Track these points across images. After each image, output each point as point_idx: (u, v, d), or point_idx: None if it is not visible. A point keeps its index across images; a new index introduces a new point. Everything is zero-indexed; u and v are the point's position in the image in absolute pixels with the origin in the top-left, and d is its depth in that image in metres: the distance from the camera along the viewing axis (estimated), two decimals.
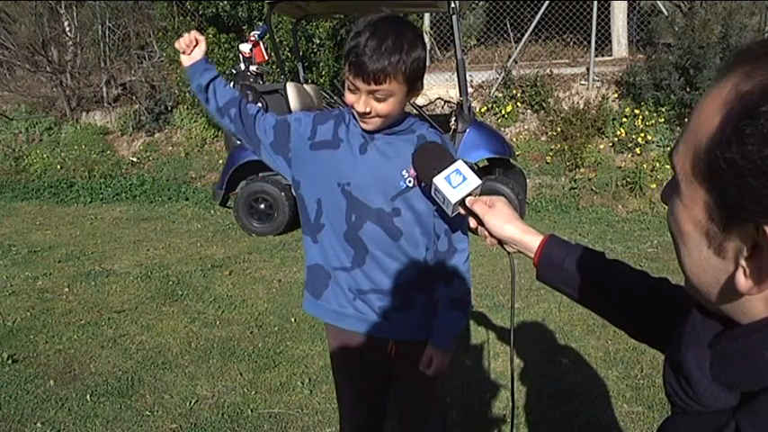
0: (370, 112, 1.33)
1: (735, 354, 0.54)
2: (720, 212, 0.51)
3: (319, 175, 1.44)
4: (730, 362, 0.54)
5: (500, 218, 1.03)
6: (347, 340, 1.54)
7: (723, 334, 0.56)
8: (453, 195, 1.08)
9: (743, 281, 0.51)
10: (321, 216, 1.46)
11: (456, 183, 1.09)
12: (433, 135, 1.48)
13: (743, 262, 0.50)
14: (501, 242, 1.04)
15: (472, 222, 1.09)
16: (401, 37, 1.27)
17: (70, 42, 8.86)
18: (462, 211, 1.10)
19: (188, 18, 8.57)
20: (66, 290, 4.09)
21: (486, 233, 1.06)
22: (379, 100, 1.31)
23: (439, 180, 1.09)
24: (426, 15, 8.58)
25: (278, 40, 6.66)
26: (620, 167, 6.43)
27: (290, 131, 1.47)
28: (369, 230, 1.42)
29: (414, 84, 1.33)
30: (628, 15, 8.15)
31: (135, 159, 7.97)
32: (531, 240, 1.00)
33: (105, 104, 8.66)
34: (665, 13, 7.38)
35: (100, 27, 8.89)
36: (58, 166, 7.92)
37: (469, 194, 1.08)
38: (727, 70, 0.52)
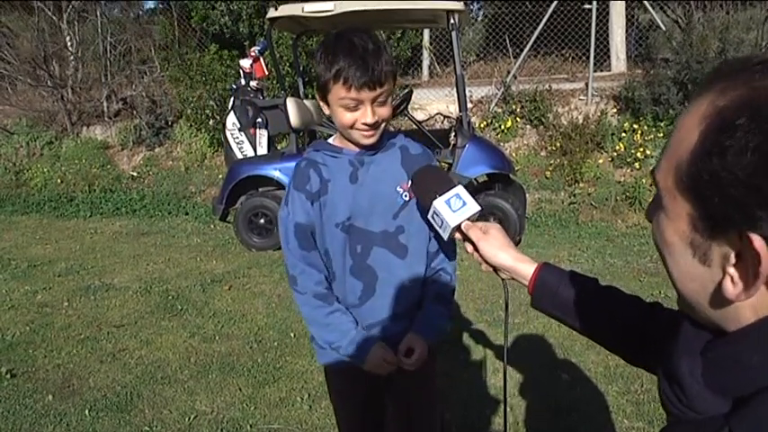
0: (377, 121, 1.33)
1: (725, 360, 0.56)
2: (705, 223, 0.54)
3: (320, 224, 1.43)
4: (721, 368, 0.56)
5: (494, 245, 1.05)
6: (346, 370, 1.53)
7: (713, 341, 0.58)
8: (453, 219, 1.08)
9: (730, 288, 0.53)
10: (331, 266, 1.46)
11: (456, 207, 1.10)
12: (415, 146, 1.51)
13: (730, 269, 0.53)
14: (495, 269, 1.06)
15: (468, 248, 1.10)
16: (372, 39, 1.31)
17: (72, 57, 8.94)
18: (458, 236, 1.12)
19: (189, 34, 8.68)
20: (66, 304, 4.11)
21: (481, 259, 1.08)
22: (381, 104, 1.32)
23: (439, 203, 1.10)
24: (426, 31, 8.68)
25: (278, 55, 6.74)
26: (620, 182, 6.46)
27: (304, 222, 1.43)
28: (377, 256, 1.42)
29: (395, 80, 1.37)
30: (626, 30, 8.24)
31: (135, 174, 8.01)
32: (525, 268, 1.02)
33: (106, 119, 8.71)
34: (663, 27, 7.45)
35: (101, 42, 9.00)
36: (59, 180, 7.96)
37: (468, 219, 1.10)
38: (704, 88, 0.55)
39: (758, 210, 0.49)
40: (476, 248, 1.08)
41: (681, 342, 0.61)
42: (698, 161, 0.53)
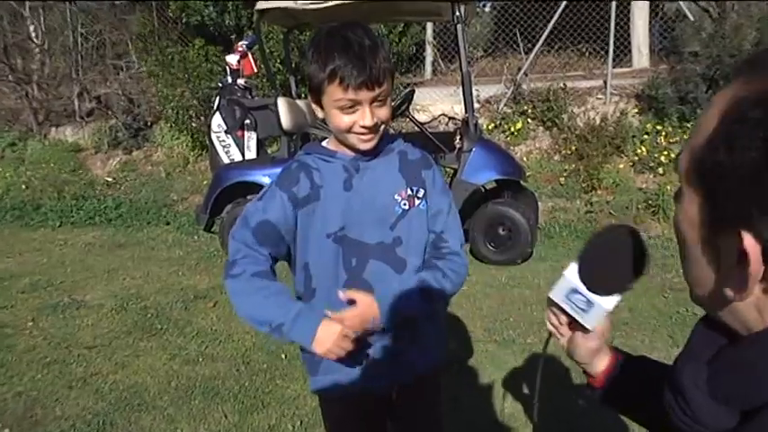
0: (377, 123, 1.35)
1: (731, 367, 0.58)
2: (710, 217, 0.57)
3: (303, 234, 1.43)
4: (726, 375, 0.58)
5: (595, 349, 1.01)
6: (344, 397, 1.55)
7: (722, 349, 0.60)
8: (608, 303, 0.95)
9: (728, 287, 0.56)
10: (311, 282, 1.46)
11: None
12: (414, 151, 1.53)
13: (730, 268, 0.56)
14: (550, 334, 1.05)
15: (555, 318, 1.04)
16: (368, 34, 1.32)
17: (37, 50, 8.87)
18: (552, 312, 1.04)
19: (170, 26, 8.72)
20: (30, 324, 4.11)
21: (563, 333, 1.03)
22: (380, 105, 1.34)
23: (607, 305, 0.95)
24: (429, 25, 8.75)
25: (268, 50, 6.79)
26: (641, 189, 6.50)
27: (274, 222, 1.42)
28: (374, 269, 1.43)
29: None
30: (649, 22, 8.23)
31: (110, 179, 8.04)
32: (599, 360, 1.00)
33: (77, 119, 8.73)
34: (692, 17, 7.40)
35: (71, 33, 8.95)
36: (23, 186, 7.97)
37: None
38: (733, 77, 0.58)
39: (753, 207, 0.52)
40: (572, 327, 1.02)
41: (688, 349, 0.64)
42: (707, 150, 0.56)
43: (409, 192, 1.47)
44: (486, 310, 4.14)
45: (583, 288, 0.94)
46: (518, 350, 3.52)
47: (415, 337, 1.50)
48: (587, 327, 0.96)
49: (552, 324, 1.05)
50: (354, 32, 1.31)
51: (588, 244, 0.94)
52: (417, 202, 1.47)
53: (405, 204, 1.45)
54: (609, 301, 0.93)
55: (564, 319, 1.01)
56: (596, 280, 0.93)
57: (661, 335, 3.68)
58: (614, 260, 0.90)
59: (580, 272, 0.94)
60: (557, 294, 0.97)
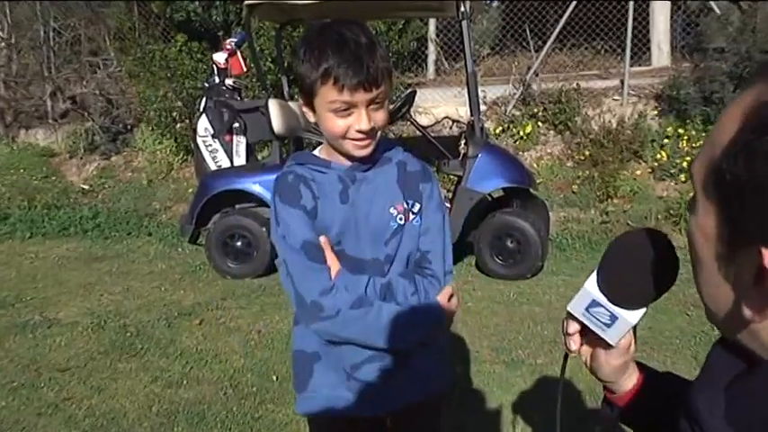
0: (373, 128, 1.36)
1: (749, 394, 0.59)
2: (727, 231, 0.57)
3: None
4: (744, 403, 0.58)
5: (622, 365, 0.99)
6: (331, 424, 1.57)
7: (741, 374, 0.61)
8: (633, 317, 0.93)
9: (746, 308, 0.56)
10: None
11: None
12: (414, 162, 1.55)
13: (748, 287, 0.56)
14: (567, 355, 1.04)
15: (572, 328, 0.99)
16: (364, 31, 1.34)
17: (2, 44, 8.82)
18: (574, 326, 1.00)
19: (151, 21, 8.76)
20: None
21: (578, 345, 1.01)
22: (377, 108, 1.36)
23: (631, 318, 0.93)
24: (431, 21, 8.81)
25: (258, 48, 6.83)
26: (661, 197, 6.52)
27: (314, 241, 1.42)
28: (370, 284, 1.45)
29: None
30: (671, 16, 8.22)
31: (86, 187, 8.05)
32: (625, 380, 0.99)
33: (50, 121, 8.70)
34: (718, 11, 7.37)
35: (42, 28, 8.89)
36: None
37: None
38: (755, 77, 0.57)
39: None
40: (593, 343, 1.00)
41: (704, 374, 0.64)
42: (725, 159, 0.55)
43: (405, 206, 1.49)
44: (493, 329, 4.16)
45: (605, 300, 0.91)
46: (527, 372, 3.54)
47: (405, 362, 1.51)
48: (610, 342, 0.94)
49: (569, 336, 1.02)
50: (350, 29, 1.32)
51: (608, 251, 0.92)
52: (412, 217, 1.49)
53: (401, 219, 1.47)
54: (634, 315, 0.91)
55: (575, 327, 0.99)
56: (619, 291, 0.90)
57: (684, 356, 3.70)
58: (638, 268, 0.88)
59: (600, 283, 0.92)
60: (576, 308, 0.96)
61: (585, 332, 0.97)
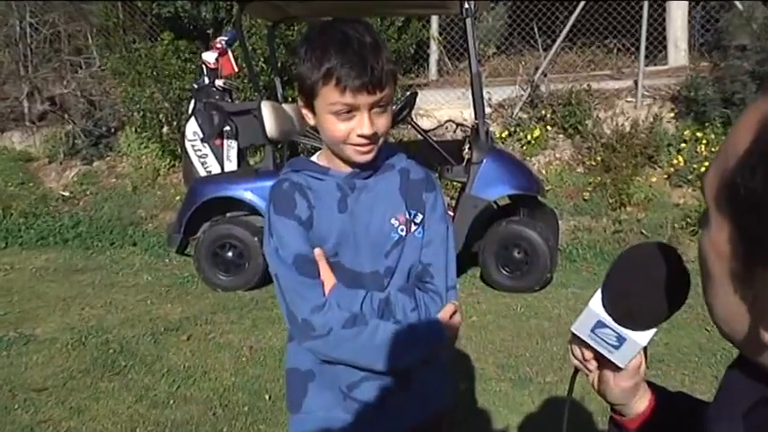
0: (376, 133, 1.37)
1: None
2: (743, 249, 0.56)
3: None
4: None
5: (632, 388, 0.99)
6: None
7: (761, 400, 0.60)
8: (642, 338, 0.92)
9: (765, 332, 0.55)
10: None
11: None
12: (417, 169, 1.56)
13: (766, 308, 0.55)
14: (576, 370, 1.05)
15: (579, 353, 1.02)
16: (369, 31, 1.35)
17: None
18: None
19: (137, 18, 8.79)
20: None
21: (591, 369, 1.02)
22: (380, 112, 1.37)
23: (640, 340, 0.92)
24: (434, 19, 8.85)
25: (251, 47, 6.86)
26: (678, 205, 6.53)
27: (308, 254, 1.44)
28: (366, 300, 1.45)
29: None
30: (689, 12, 8.21)
31: (67, 194, 8.07)
32: (637, 402, 0.99)
33: (27, 123, 8.70)
34: (740, 6, 7.36)
35: (18, 23, 8.87)
36: None
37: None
38: None
39: None
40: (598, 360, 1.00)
41: (721, 398, 0.65)
42: (740, 172, 0.54)
43: (407, 216, 1.50)
44: (499, 344, 4.17)
45: (611, 321, 0.90)
46: (535, 390, 3.55)
47: (405, 381, 1.52)
48: (619, 365, 0.94)
49: (577, 359, 1.03)
50: (354, 29, 1.33)
51: (613, 268, 0.90)
52: (414, 228, 1.50)
53: (402, 230, 1.47)
54: (643, 336, 0.90)
55: (589, 354, 0.99)
56: (626, 311, 0.89)
57: (704, 374, 3.70)
58: (647, 286, 0.87)
59: (606, 302, 0.91)
60: (581, 329, 0.95)
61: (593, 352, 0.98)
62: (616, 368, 0.96)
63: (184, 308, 5.07)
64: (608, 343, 0.93)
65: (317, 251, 1.44)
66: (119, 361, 4.08)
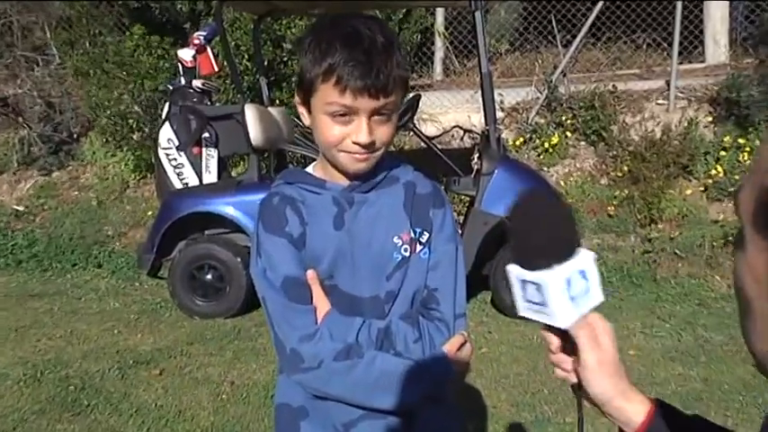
0: (374, 142, 1.39)
1: None
2: None
3: None
4: None
5: (600, 364, 1.00)
6: None
7: None
8: (570, 312, 0.97)
9: None
10: None
11: (577, 291, 0.97)
12: (425, 183, 1.58)
13: None
14: (579, 385, 1.05)
15: (553, 343, 1.06)
16: (384, 30, 1.38)
17: None
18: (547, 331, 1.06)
19: (103, 9, 8.80)
20: None
21: (567, 368, 1.05)
22: (382, 120, 1.39)
23: (553, 280, 0.95)
24: (439, 11, 8.90)
25: (233, 44, 6.90)
26: (717, 221, 6.52)
27: (299, 276, 1.46)
28: (364, 329, 1.46)
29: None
30: (731, 2, 8.17)
31: (21, 208, 8.06)
32: (631, 409, 0.99)
33: None
34: None
35: None
36: None
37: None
38: None
39: None
40: (568, 350, 1.04)
41: None
42: None
43: (412, 234, 1.51)
44: (514, 379, 4.18)
45: (527, 273, 0.97)
46: None
47: (408, 419, 1.52)
48: (560, 325, 0.98)
49: (554, 364, 1.06)
50: (367, 26, 1.36)
51: (510, 225, 1.03)
52: (419, 248, 1.51)
53: (406, 250, 1.49)
54: (555, 275, 0.95)
55: (554, 344, 1.04)
56: (529, 252, 0.98)
57: (749, 416, 3.68)
58: (537, 225, 0.98)
59: (515, 257, 1.00)
60: (520, 306, 1.01)
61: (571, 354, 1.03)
62: (566, 339, 1.02)
63: (156, 338, 5.07)
64: (537, 303, 0.98)
65: (310, 273, 1.45)
66: (80, 399, 4.08)
